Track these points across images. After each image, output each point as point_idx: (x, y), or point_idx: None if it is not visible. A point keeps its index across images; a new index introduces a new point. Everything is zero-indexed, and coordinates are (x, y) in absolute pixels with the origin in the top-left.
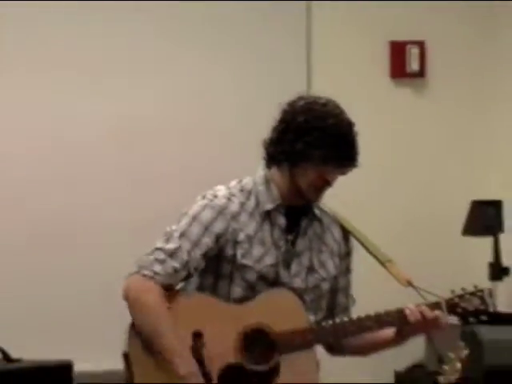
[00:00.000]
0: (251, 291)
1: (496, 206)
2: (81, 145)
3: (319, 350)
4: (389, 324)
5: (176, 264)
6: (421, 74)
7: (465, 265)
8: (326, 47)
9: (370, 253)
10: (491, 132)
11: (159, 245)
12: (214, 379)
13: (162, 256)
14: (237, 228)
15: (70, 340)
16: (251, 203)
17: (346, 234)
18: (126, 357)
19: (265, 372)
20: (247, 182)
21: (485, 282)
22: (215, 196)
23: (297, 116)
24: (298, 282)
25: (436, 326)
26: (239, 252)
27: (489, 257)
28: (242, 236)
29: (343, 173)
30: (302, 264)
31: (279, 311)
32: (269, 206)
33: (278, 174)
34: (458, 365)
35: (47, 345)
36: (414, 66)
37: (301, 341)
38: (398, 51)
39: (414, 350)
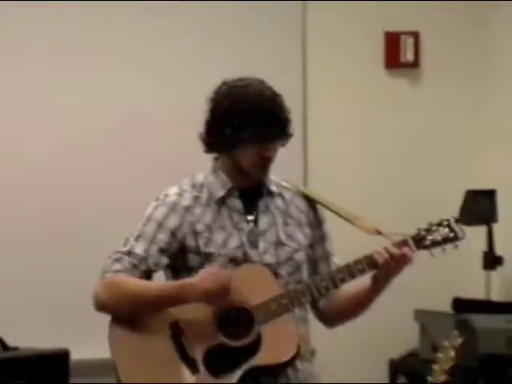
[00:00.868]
0: None
1: (490, 195)
2: (82, 136)
3: (316, 339)
4: (360, 272)
5: (133, 260)
6: (415, 64)
7: (459, 254)
8: (321, 37)
9: (337, 214)
10: (485, 121)
11: (117, 249)
12: (200, 365)
13: (118, 256)
14: (192, 220)
15: (67, 328)
16: (204, 195)
17: (311, 204)
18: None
19: (248, 345)
20: (198, 177)
21: (479, 271)
22: (167, 195)
23: (220, 103)
24: (268, 259)
25: (405, 262)
26: (201, 242)
27: (483, 246)
28: (200, 226)
29: (281, 145)
30: (269, 240)
31: (249, 285)
32: (221, 192)
33: (222, 161)
34: (452, 353)
35: (44, 333)
36: (408, 56)
37: (276, 307)
38: (392, 42)
39: (408, 339)
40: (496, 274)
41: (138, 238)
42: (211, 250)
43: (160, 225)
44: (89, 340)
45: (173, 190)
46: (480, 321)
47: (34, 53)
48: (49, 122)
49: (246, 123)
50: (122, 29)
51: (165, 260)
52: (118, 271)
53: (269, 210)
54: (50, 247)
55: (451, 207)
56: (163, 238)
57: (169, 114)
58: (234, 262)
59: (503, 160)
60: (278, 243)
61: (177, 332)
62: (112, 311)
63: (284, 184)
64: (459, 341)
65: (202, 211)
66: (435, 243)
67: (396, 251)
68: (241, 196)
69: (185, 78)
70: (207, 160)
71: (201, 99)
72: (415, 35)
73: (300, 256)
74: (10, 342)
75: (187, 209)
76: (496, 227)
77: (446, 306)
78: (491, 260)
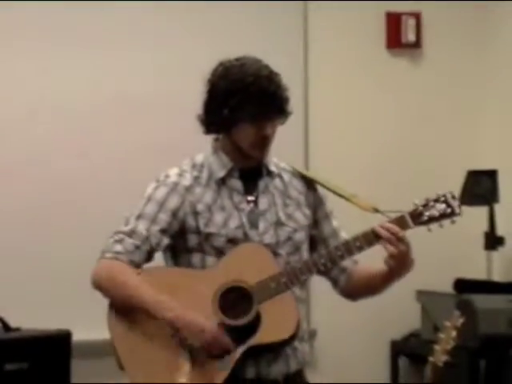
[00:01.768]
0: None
1: (491, 175)
2: (81, 118)
3: (317, 320)
4: (358, 249)
5: (135, 241)
6: (417, 44)
7: (460, 234)
8: (323, 17)
9: (335, 192)
10: (487, 101)
11: (118, 228)
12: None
13: (120, 236)
14: (193, 200)
15: (69, 309)
16: (204, 175)
17: (310, 184)
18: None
19: (248, 324)
20: (199, 157)
21: (480, 252)
22: (167, 176)
23: (217, 83)
24: (268, 238)
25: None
26: (201, 222)
27: (484, 226)
28: (200, 206)
29: (280, 123)
30: (269, 220)
31: (248, 263)
32: (222, 173)
33: (222, 142)
34: (454, 333)
35: (46, 314)
36: (410, 36)
37: (275, 286)
38: (394, 22)
39: (410, 320)
40: (497, 255)
41: (139, 217)
42: (211, 230)
43: (161, 205)
44: (90, 321)
45: (173, 171)
46: (481, 301)
47: (33, 33)
48: (48, 104)
49: (243, 102)
50: (123, 12)
51: (166, 240)
52: (118, 253)
53: (268, 191)
54: (52, 227)
55: (452, 187)
56: (164, 217)
57: (169, 96)
58: (234, 242)
59: (504, 140)
60: (278, 223)
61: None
62: (104, 295)
63: (282, 165)
64: (460, 321)
65: (202, 191)
66: (432, 219)
67: (395, 228)
68: (241, 176)
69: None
70: (207, 142)
71: (200, 85)
72: (417, 16)
73: (299, 236)
74: (12, 322)
75: (188, 189)
76: (497, 207)
77: (447, 287)
78: (492, 240)
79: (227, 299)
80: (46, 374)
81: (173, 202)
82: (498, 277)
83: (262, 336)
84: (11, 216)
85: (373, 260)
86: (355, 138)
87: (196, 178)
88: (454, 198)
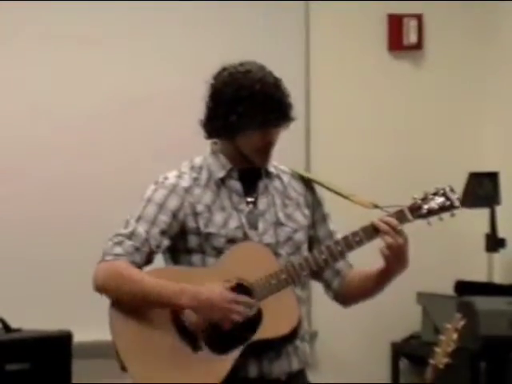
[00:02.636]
0: None
1: (493, 177)
2: (81, 118)
3: (318, 321)
4: (358, 243)
5: (135, 243)
6: (418, 46)
7: (461, 236)
8: (324, 20)
9: (334, 191)
10: (488, 103)
11: (117, 231)
12: (201, 342)
13: (120, 239)
14: (192, 201)
15: (70, 310)
16: (203, 176)
17: (309, 186)
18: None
19: (248, 321)
20: (197, 160)
21: (481, 254)
22: (166, 178)
23: (222, 90)
24: (267, 239)
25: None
26: (201, 222)
27: (485, 228)
28: (200, 207)
29: (284, 129)
30: (268, 221)
31: (249, 261)
32: (221, 173)
33: (222, 145)
34: (455, 335)
35: (47, 315)
36: (411, 38)
37: (276, 282)
38: (396, 24)
39: (410, 322)
40: (498, 257)
41: (138, 219)
42: (211, 230)
43: (161, 206)
44: (91, 322)
45: (172, 173)
46: (482, 303)
47: (33, 33)
48: (48, 104)
49: (250, 110)
50: (123, 12)
51: (165, 242)
52: (118, 255)
53: (268, 191)
54: (52, 228)
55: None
56: (164, 219)
57: (169, 97)
58: (234, 242)
59: (506, 142)
60: (278, 223)
61: (175, 311)
62: (110, 296)
63: (281, 167)
64: (461, 323)
65: (202, 192)
66: (432, 212)
67: (394, 221)
68: (240, 177)
69: (186, 65)
70: (207, 143)
71: (202, 85)
72: (418, 17)
73: (299, 236)
74: (13, 323)
75: (187, 190)
76: (498, 209)
77: (448, 289)
78: (494, 242)
79: None
80: (47, 375)
81: (172, 204)
82: (498, 279)
83: (263, 332)
84: (11, 217)
85: (370, 261)
86: (357, 140)
87: (195, 180)
88: (452, 191)
